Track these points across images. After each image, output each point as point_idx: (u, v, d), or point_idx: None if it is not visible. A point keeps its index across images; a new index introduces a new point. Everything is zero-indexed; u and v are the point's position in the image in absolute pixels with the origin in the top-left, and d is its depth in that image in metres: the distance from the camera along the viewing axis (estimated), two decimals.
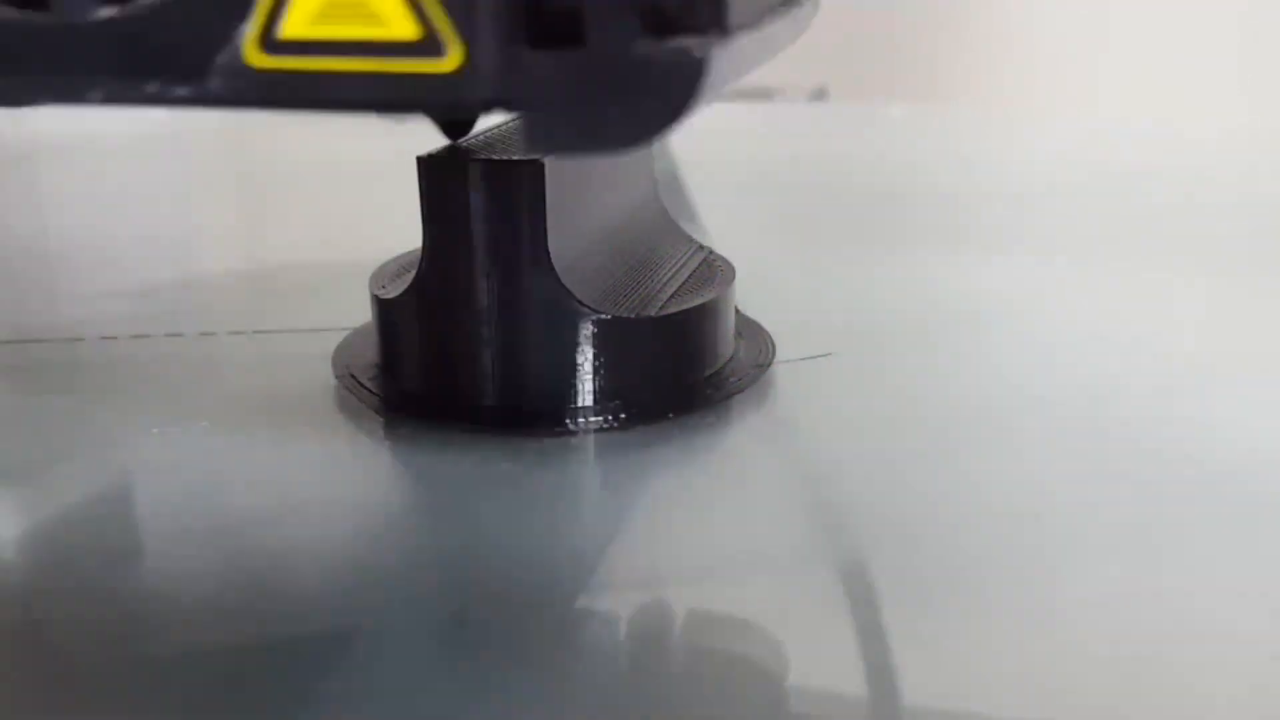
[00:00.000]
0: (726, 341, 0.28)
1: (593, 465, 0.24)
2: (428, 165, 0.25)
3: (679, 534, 0.22)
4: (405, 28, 0.17)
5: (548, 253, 0.24)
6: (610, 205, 0.28)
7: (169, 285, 0.36)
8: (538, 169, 0.24)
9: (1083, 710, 0.17)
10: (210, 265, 0.41)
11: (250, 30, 0.17)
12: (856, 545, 0.22)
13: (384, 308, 0.27)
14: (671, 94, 0.16)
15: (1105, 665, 0.18)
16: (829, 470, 0.25)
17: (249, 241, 0.45)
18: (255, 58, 0.17)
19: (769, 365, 0.28)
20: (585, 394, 0.25)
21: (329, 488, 0.24)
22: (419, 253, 0.26)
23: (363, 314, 0.29)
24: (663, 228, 0.31)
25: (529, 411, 0.25)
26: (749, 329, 0.30)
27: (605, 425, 0.25)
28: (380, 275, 0.28)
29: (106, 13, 0.18)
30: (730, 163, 0.55)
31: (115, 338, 0.31)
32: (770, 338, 0.30)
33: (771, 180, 0.52)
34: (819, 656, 0.19)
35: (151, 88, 0.18)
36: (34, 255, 0.42)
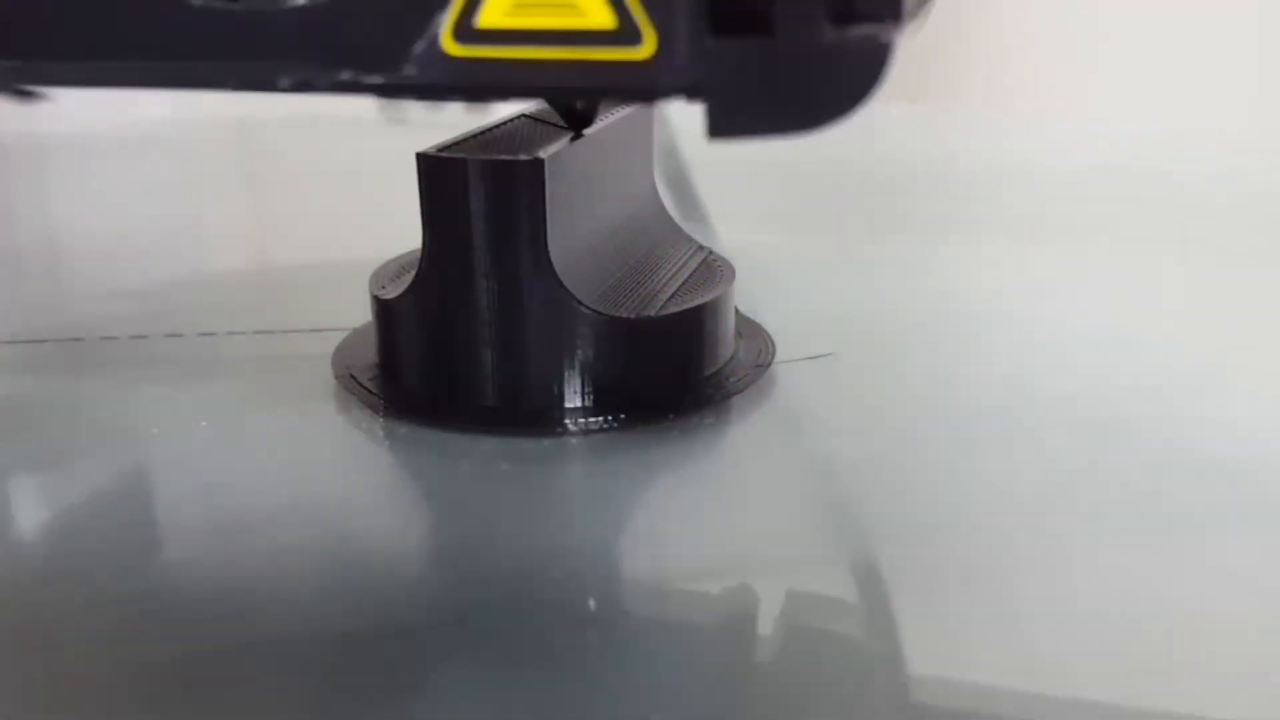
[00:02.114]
0: (726, 341, 0.28)
1: (592, 465, 0.24)
2: (427, 163, 0.25)
3: (679, 534, 0.22)
4: (603, 18, 0.17)
5: (547, 252, 0.24)
6: (610, 205, 0.28)
7: (169, 285, 0.36)
8: (537, 167, 0.24)
9: (1085, 706, 0.17)
10: (210, 265, 0.41)
11: (448, 20, 0.18)
12: (857, 544, 0.22)
13: (384, 308, 0.27)
14: (858, 79, 0.17)
15: (1107, 662, 0.18)
16: (829, 470, 0.25)
17: (249, 241, 0.45)
18: (452, 47, 0.18)
19: (769, 365, 0.28)
20: (585, 394, 0.25)
21: (328, 488, 0.24)
22: (419, 253, 0.25)
23: (363, 314, 0.29)
24: (663, 228, 0.31)
25: (529, 412, 0.25)
26: (749, 329, 0.30)
27: (605, 425, 0.25)
28: (380, 275, 0.28)
29: (300, 0, 0.18)
30: (732, 162, 0.55)
31: (115, 338, 0.31)
32: (770, 338, 0.30)
33: (770, 181, 0.52)
34: (820, 655, 0.19)
35: (345, 76, 0.18)
36: (35, 255, 0.42)
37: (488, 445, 0.25)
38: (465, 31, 0.18)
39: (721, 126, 0.17)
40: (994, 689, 0.18)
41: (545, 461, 0.24)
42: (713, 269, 0.29)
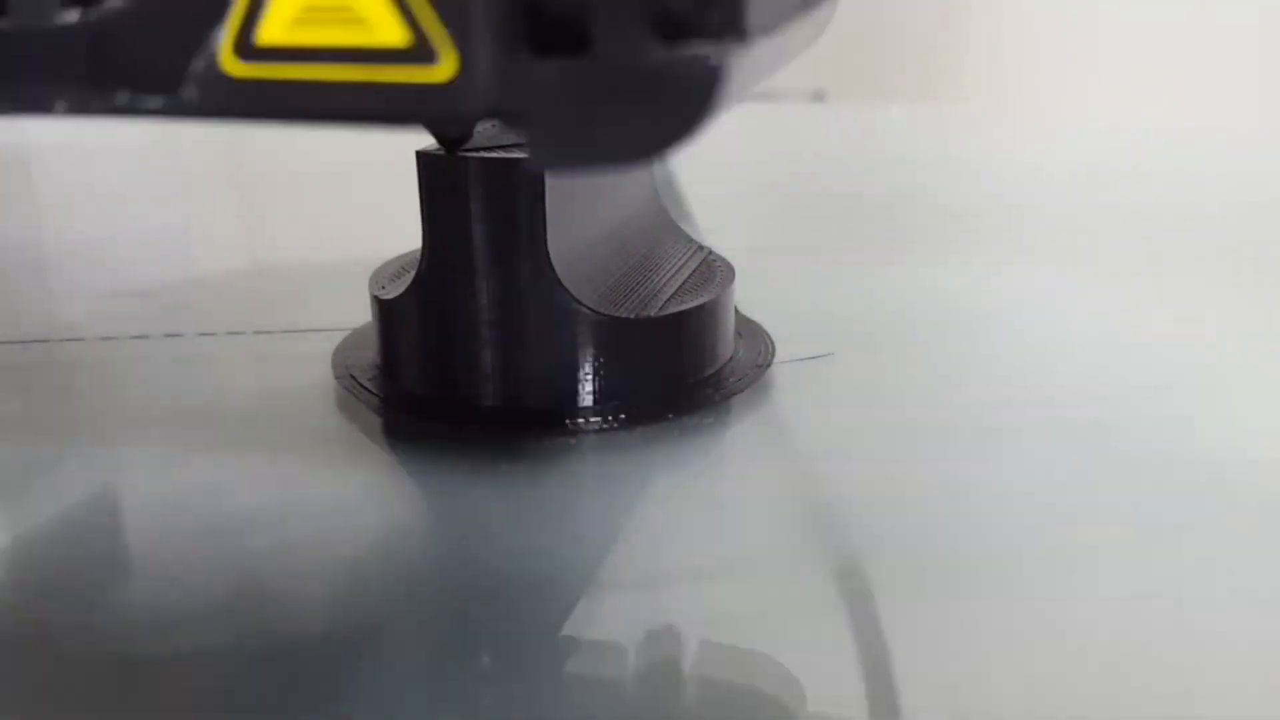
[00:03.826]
0: (726, 342, 0.28)
1: (592, 466, 0.24)
2: (427, 161, 0.25)
3: (678, 534, 0.22)
4: (393, 33, 0.15)
5: (547, 252, 0.24)
6: (610, 205, 0.28)
7: (169, 285, 0.36)
8: None
9: (1081, 711, 0.17)
10: (210, 265, 0.41)
11: (226, 36, 0.16)
12: (855, 546, 0.22)
13: (384, 308, 0.27)
14: (686, 104, 0.15)
15: (1104, 666, 0.18)
16: (828, 471, 0.25)
17: (249, 241, 0.45)
18: (232, 66, 0.16)
19: (768, 365, 0.28)
20: (585, 394, 0.25)
21: (328, 488, 0.24)
22: (419, 253, 0.25)
23: (363, 314, 0.29)
24: (662, 228, 0.31)
25: (528, 412, 0.25)
26: (748, 329, 0.30)
27: (605, 425, 0.25)
28: (380, 275, 0.28)
29: (70, 17, 0.17)
30: (729, 164, 0.55)
31: (115, 338, 0.31)
32: (770, 338, 0.30)
33: (770, 181, 0.52)
34: (818, 656, 0.19)
35: (122, 99, 0.17)
36: (34, 255, 0.42)
37: (488, 445, 0.25)
38: (245, 48, 0.16)
39: (543, 157, 0.16)
40: (994, 690, 0.18)
41: (545, 461, 0.24)
42: (712, 269, 0.29)
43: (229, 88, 0.16)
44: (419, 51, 0.15)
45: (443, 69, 0.15)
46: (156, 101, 0.17)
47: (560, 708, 0.17)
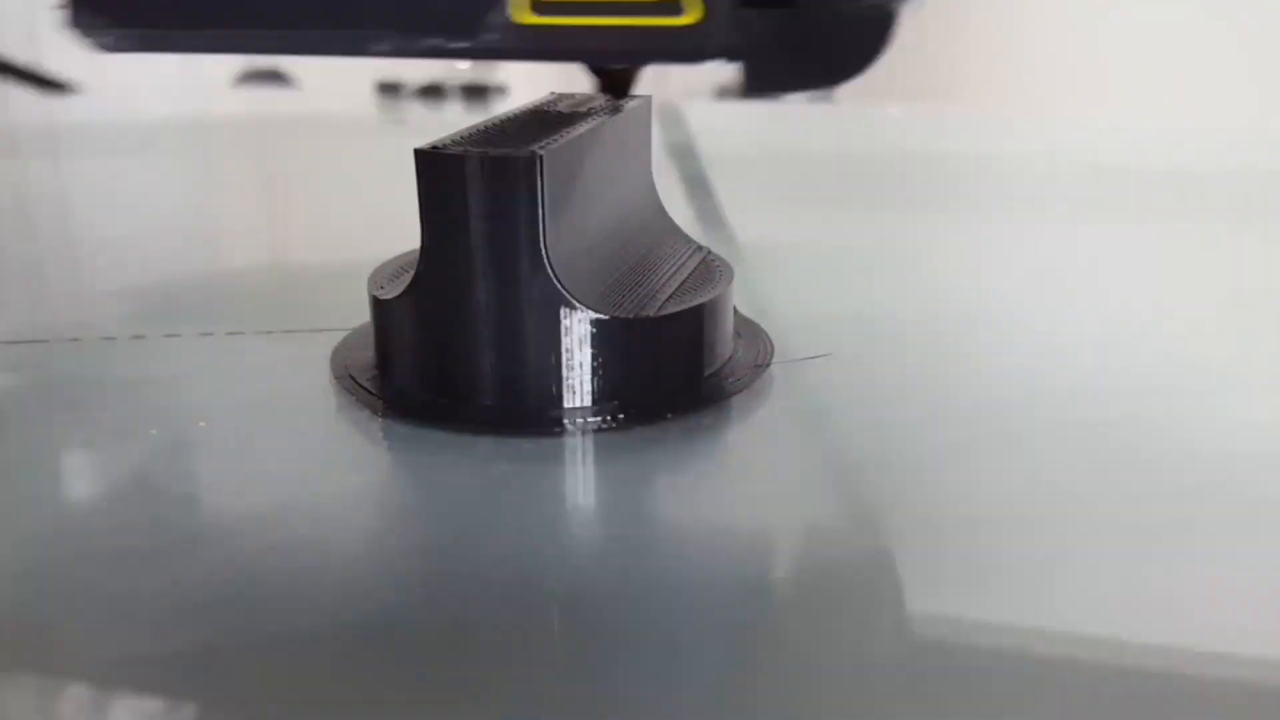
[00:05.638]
0: (725, 342, 0.28)
1: (590, 466, 0.24)
2: (425, 159, 0.25)
3: (677, 534, 0.22)
4: None
5: (545, 251, 0.24)
6: (609, 204, 0.28)
7: (169, 285, 0.37)
8: (534, 162, 0.24)
9: (1083, 706, 0.17)
10: (209, 265, 0.41)
11: None
12: (856, 545, 0.22)
13: (382, 308, 0.27)
14: (869, 42, 0.20)
15: (1103, 664, 0.18)
16: (827, 470, 0.25)
17: (248, 242, 0.45)
18: (522, 16, 0.21)
19: (767, 365, 0.28)
20: (583, 394, 0.25)
21: (327, 488, 0.24)
22: (418, 253, 0.25)
23: (362, 314, 0.29)
24: (661, 227, 0.31)
25: (527, 412, 0.25)
26: (748, 329, 0.30)
27: (603, 425, 0.25)
28: (379, 275, 0.28)
29: None
30: (729, 161, 0.55)
31: (115, 338, 0.31)
32: (769, 338, 0.30)
33: (770, 181, 0.52)
34: (818, 656, 0.19)
35: (432, 42, 0.22)
36: (34, 255, 0.42)
37: (486, 445, 0.25)
38: (536, 2, 0.21)
39: (755, 85, 0.21)
40: (992, 688, 0.18)
41: (543, 461, 0.24)
42: (711, 269, 0.29)
43: (519, 33, 0.21)
44: (671, 4, 0.20)
45: (688, 17, 0.20)
46: (461, 44, 0.22)
47: (558, 706, 0.17)
